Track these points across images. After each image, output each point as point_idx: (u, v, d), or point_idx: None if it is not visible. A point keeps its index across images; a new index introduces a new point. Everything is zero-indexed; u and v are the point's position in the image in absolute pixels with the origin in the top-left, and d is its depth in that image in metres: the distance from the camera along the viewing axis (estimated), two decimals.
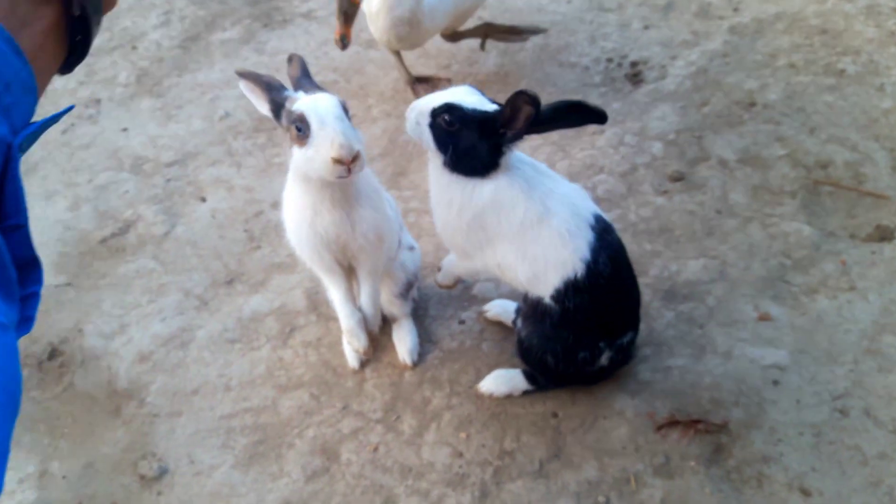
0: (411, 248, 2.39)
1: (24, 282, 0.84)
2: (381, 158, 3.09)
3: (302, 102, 1.80)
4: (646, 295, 2.29)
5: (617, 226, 2.61)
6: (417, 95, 3.25)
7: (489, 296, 2.52)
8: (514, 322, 2.26)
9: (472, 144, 1.84)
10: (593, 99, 3.19)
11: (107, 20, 1.17)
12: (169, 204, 3.03)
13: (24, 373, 2.49)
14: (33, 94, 0.86)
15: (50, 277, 2.76)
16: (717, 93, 3.20)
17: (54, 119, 0.90)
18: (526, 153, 1.98)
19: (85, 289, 2.74)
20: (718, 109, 3.13)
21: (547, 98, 1.76)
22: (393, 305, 2.39)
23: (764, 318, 2.37)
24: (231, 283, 2.70)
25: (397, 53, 3.26)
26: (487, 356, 2.37)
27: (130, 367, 2.47)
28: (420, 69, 3.42)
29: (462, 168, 1.89)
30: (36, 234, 0.84)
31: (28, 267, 0.85)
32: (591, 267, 1.91)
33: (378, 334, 2.36)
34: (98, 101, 3.58)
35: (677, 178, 2.85)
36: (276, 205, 2.95)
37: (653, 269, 2.55)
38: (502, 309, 2.42)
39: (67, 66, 0.97)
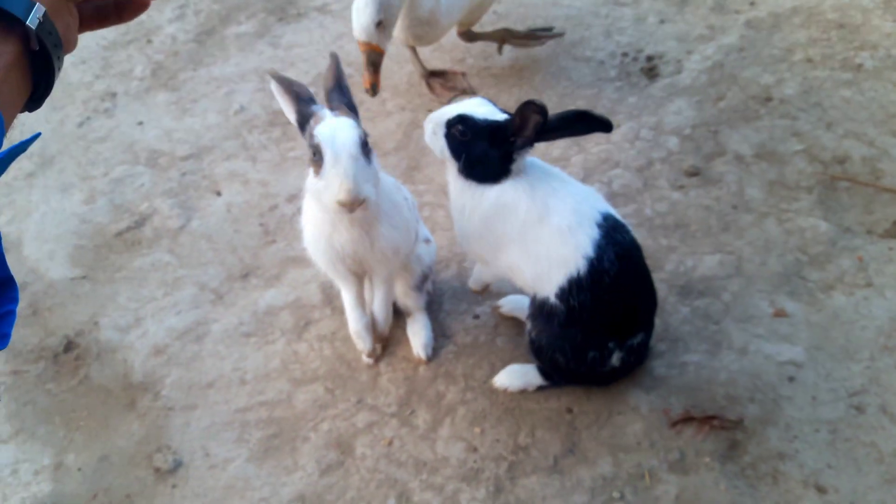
0: (427, 241, 2.40)
1: None
2: (396, 152, 3.09)
3: (322, 129, 1.79)
4: (661, 290, 2.28)
5: (632, 221, 2.62)
6: (432, 90, 3.25)
7: (504, 291, 2.52)
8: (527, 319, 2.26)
9: (483, 152, 1.94)
10: (609, 93, 3.17)
11: None
12: (184, 198, 3.04)
13: (40, 365, 2.52)
14: None
15: (66, 270, 2.78)
16: (733, 87, 3.18)
17: (22, 147, 0.91)
18: (542, 149, 1.98)
19: (100, 282, 2.75)
20: (734, 104, 3.10)
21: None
22: (408, 298, 2.39)
23: (780, 314, 2.36)
24: (246, 276, 2.71)
25: (412, 48, 3.26)
26: (502, 351, 2.37)
27: (146, 361, 2.49)
28: (435, 63, 3.41)
29: (475, 174, 1.98)
30: (52, 226, 0.84)
31: (2, 286, 0.87)
32: (595, 264, 1.92)
33: (389, 332, 2.37)
34: (114, 95, 3.60)
35: (693, 172, 2.84)
36: (291, 199, 2.96)
37: (668, 264, 2.54)
38: (517, 304, 2.42)
39: (36, 101, 0.99)
